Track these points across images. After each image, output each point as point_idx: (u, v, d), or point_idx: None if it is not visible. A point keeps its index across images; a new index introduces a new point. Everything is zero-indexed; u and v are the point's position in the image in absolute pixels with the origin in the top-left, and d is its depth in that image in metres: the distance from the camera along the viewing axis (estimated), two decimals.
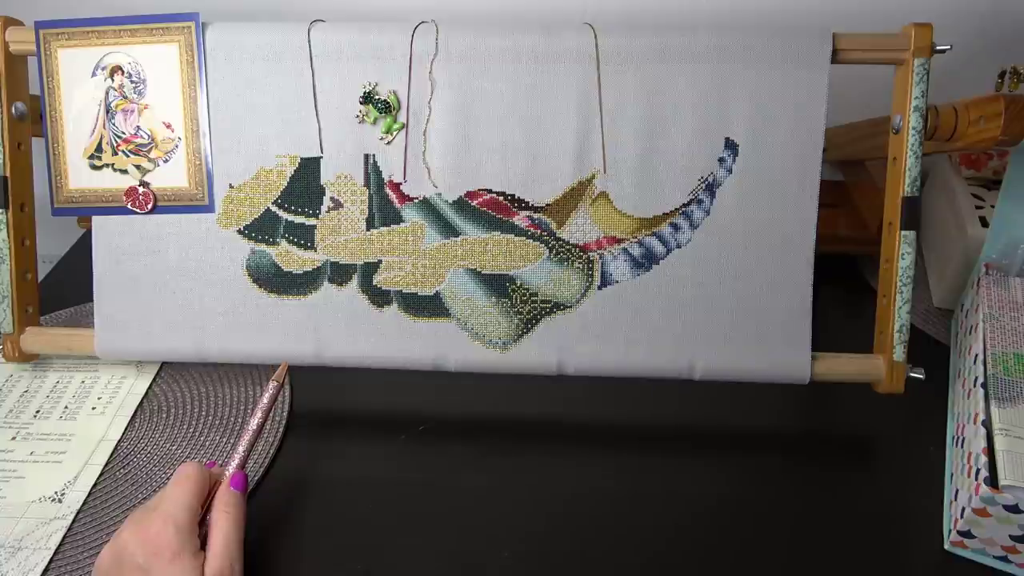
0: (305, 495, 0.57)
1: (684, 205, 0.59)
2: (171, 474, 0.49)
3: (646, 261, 0.59)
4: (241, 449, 0.51)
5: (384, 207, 0.60)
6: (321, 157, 0.60)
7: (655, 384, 0.61)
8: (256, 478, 0.57)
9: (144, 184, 0.61)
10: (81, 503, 0.56)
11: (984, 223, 0.69)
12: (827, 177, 0.62)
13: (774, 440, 0.62)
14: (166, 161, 0.60)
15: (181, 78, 0.59)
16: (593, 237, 0.59)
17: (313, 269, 0.61)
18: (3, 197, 0.61)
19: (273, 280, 0.61)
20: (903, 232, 0.57)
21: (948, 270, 0.72)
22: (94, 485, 0.57)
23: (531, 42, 0.57)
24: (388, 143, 0.59)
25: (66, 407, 0.64)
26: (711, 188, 0.58)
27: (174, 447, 0.60)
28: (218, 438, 0.61)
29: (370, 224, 0.60)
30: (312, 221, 0.60)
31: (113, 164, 0.61)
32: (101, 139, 0.61)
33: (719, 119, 0.58)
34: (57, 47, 0.60)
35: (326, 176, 0.60)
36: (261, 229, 0.61)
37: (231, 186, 0.61)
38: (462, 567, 0.52)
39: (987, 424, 0.52)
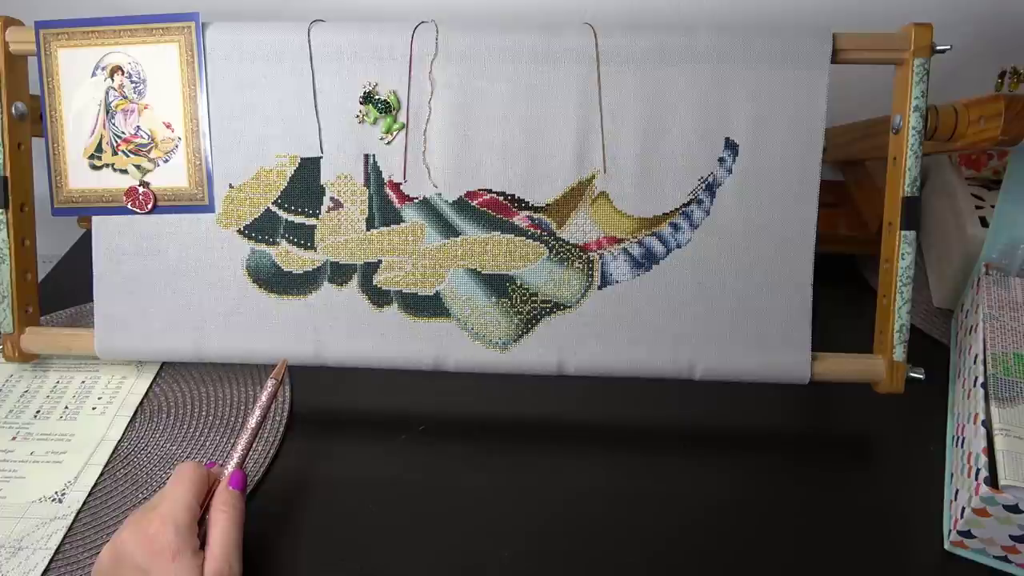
0: (305, 495, 0.57)
1: (684, 205, 0.59)
2: (171, 474, 0.49)
3: (646, 261, 0.59)
4: (240, 448, 0.51)
5: (384, 207, 0.60)
6: (321, 157, 0.60)
7: (655, 384, 0.61)
8: (256, 478, 0.57)
9: (144, 184, 0.61)
10: (81, 503, 0.56)
11: (984, 223, 0.69)
12: (827, 177, 0.62)
13: (774, 440, 0.62)
14: (166, 161, 0.60)
15: (181, 78, 0.59)
16: (593, 237, 0.59)
17: (313, 269, 0.61)
18: (3, 197, 0.61)
19: (273, 280, 0.61)
20: (903, 232, 0.57)
21: (948, 270, 0.72)
22: (94, 485, 0.57)
23: (531, 42, 0.57)
24: (388, 143, 0.59)
25: (66, 407, 0.64)
26: (711, 188, 0.58)
27: (174, 447, 0.60)
28: (218, 438, 0.61)
29: (370, 224, 0.60)
30: (312, 221, 0.60)
31: (113, 164, 0.61)
32: (101, 139, 0.61)
33: (719, 119, 0.58)
34: (57, 47, 0.60)
35: (326, 176, 0.60)
36: (261, 229, 0.61)
37: (231, 186, 0.61)
38: (462, 567, 0.52)
39: (987, 424, 0.52)
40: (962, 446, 0.55)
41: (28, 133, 0.63)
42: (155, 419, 0.63)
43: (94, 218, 0.62)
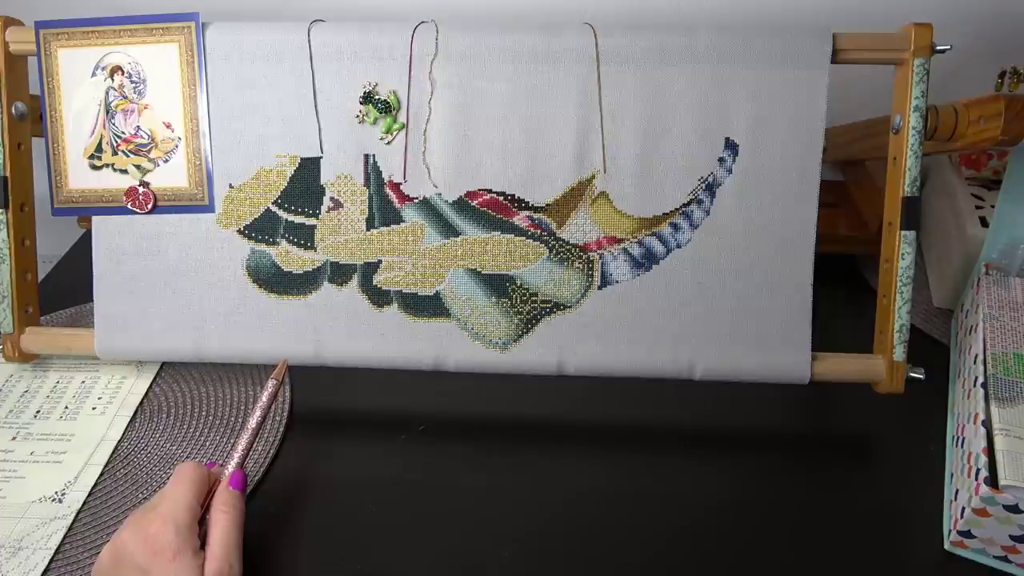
0: (305, 495, 0.57)
1: (684, 205, 0.59)
2: (171, 474, 0.49)
3: (646, 261, 0.59)
4: (240, 448, 0.51)
5: (384, 207, 0.60)
6: (321, 157, 0.60)
7: (655, 384, 0.61)
8: (256, 478, 0.57)
9: (144, 184, 0.61)
10: (81, 503, 0.56)
11: (984, 223, 0.69)
12: (827, 177, 0.62)
13: (774, 440, 0.62)
14: (166, 161, 0.60)
15: (181, 78, 0.59)
16: (593, 237, 0.59)
17: (313, 269, 0.61)
18: (3, 197, 0.61)
19: (273, 280, 0.61)
20: (903, 232, 0.57)
21: (948, 270, 0.72)
22: (94, 485, 0.57)
23: (531, 42, 0.57)
24: (388, 143, 0.59)
25: (66, 407, 0.64)
26: (711, 188, 0.58)
27: (174, 447, 0.60)
28: (218, 438, 0.61)
29: (370, 224, 0.60)
30: (312, 221, 0.61)
31: (113, 164, 0.61)
32: (101, 139, 0.61)
33: (719, 119, 0.58)
34: (57, 47, 0.60)
35: (326, 176, 0.60)
36: (261, 229, 0.61)
37: (231, 186, 0.61)
38: (462, 567, 0.52)
39: (987, 424, 0.52)
40: (962, 446, 0.55)
41: (28, 133, 0.63)
42: (155, 419, 0.63)
43: (94, 218, 0.62)
